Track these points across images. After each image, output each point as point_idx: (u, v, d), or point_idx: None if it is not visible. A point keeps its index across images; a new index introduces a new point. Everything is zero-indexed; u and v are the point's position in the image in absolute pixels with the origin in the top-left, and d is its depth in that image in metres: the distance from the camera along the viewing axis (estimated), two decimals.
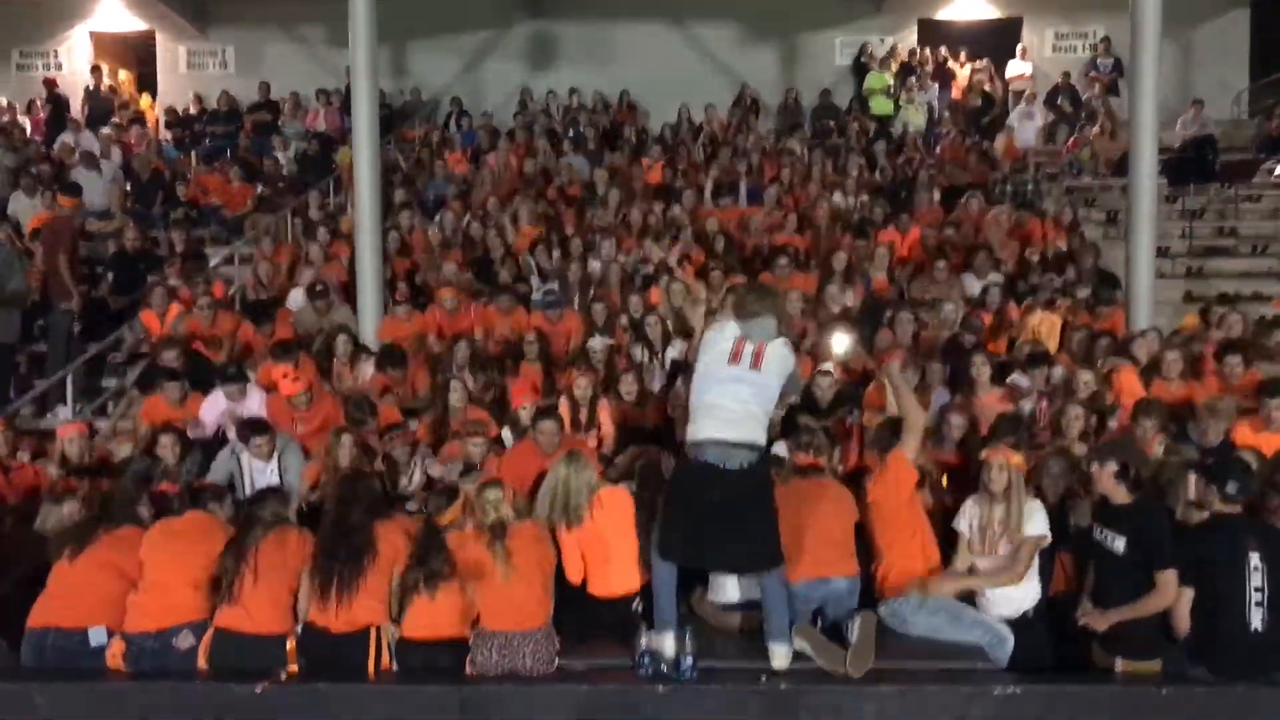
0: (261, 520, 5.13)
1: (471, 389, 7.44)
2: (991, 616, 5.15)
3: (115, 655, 4.96)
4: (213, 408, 7.24)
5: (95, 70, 16.33)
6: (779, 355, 4.90)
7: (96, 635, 5.01)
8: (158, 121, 16.23)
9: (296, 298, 9.47)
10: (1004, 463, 5.26)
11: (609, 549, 5.27)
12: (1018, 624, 5.14)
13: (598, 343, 8.04)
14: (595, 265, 10.06)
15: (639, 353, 8.35)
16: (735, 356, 4.85)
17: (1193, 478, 5.13)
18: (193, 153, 15.03)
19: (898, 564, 5.30)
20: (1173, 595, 4.80)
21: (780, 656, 4.88)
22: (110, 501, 5.54)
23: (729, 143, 14.02)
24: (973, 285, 9.45)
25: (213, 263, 11.25)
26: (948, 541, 5.47)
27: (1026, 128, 14.78)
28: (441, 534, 5.15)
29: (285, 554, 5.05)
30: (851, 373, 7.60)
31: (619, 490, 5.46)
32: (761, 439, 4.84)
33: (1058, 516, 5.42)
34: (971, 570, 5.31)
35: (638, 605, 5.27)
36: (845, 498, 5.46)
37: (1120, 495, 4.97)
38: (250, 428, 6.48)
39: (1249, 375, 7.14)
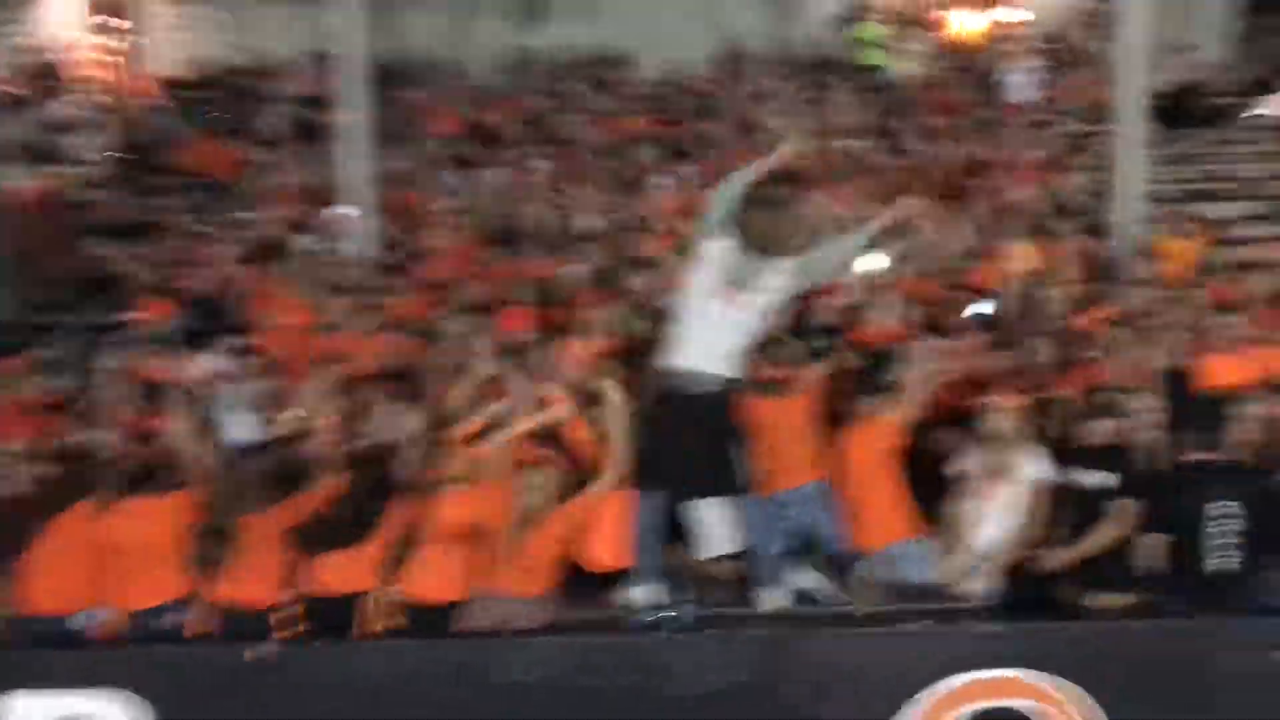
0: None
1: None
2: (972, 555, 5.28)
3: None
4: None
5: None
6: (763, 292, 4.79)
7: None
8: (148, 87, 16.13)
9: None
10: (1004, 406, 5.33)
11: None
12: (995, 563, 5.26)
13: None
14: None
15: None
16: (713, 293, 4.79)
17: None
18: (190, 120, 14.95)
19: (873, 521, 5.39)
20: (1129, 524, 4.96)
21: (769, 600, 5.03)
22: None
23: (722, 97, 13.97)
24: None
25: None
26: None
27: (1020, 82, 14.70)
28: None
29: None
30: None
31: None
32: (732, 372, 4.86)
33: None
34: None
35: None
36: (805, 405, 5.47)
37: (1093, 434, 5.10)
38: None
39: None
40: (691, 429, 4.85)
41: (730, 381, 4.87)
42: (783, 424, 5.40)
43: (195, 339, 7.66)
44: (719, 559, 5.43)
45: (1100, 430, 5.17)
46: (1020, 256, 8.45)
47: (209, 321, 8.16)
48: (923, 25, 16.27)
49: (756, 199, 4.75)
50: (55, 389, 6.34)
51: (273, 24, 16.66)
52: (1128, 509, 5.00)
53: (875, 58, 15.71)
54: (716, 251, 4.78)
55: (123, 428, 6.40)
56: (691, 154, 11.76)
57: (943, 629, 4.92)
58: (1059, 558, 5.09)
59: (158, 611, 5.05)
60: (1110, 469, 5.09)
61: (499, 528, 5.10)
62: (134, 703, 4.86)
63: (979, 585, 5.20)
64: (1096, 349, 6.63)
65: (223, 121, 14.25)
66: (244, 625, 4.96)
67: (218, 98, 15.20)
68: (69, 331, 9.22)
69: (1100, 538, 5.02)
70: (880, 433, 5.38)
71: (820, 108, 13.11)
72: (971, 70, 15.50)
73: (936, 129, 12.44)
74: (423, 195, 10.88)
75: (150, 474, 5.22)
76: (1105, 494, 5.07)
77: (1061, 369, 6.39)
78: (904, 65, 15.48)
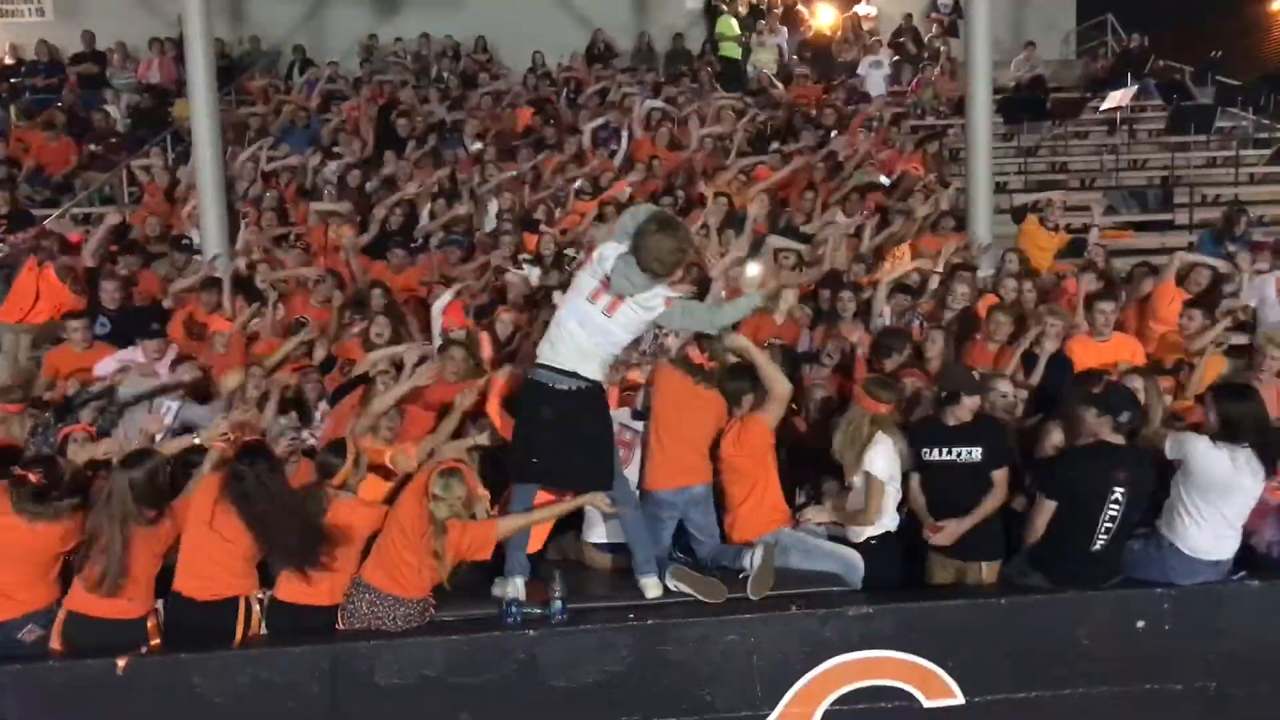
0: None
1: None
2: (851, 542, 5.40)
3: None
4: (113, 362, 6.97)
5: None
6: (639, 309, 4.81)
7: None
8: None
9: None
10: (863, 413, 5.41)
11: None
12: (872, 548, 5.37)
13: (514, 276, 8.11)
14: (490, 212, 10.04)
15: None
16: (595, 296, 4.82)
17: (1085, 410, 5.28)
18: (11, 108, 14.03)
19: (748, 517, 5.43)
20: (1004, 494, 5.21)
21: (651, 588, 5.07)
22: None
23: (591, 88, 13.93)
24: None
25: (45, 224, 10.60)
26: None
27: (875, 76, 15.15)
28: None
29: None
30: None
31: None
32: (595, 375, 4.89)
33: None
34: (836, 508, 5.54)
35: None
36: (717, 407, 5.49)
37: (964, 412, 5.32)
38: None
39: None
40: (567, 422, 4.84)
41: (595, 384, 4.90)
42: (695, 413, 5.41)
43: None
44: (598, 547, 5.45)
45: (968, 406, 5.35)
46: (900, 255, 8.71)
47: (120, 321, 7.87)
48: (781, 19, 16.58)
49: (662, 221, 4.79)
50: None
51: (108, 7, 15.81)
52: (1003, 479, 5.23)
53: (733, 51, 15.93)
54: (614, 258, 4.77)
55: None
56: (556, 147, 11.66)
57: (818, 612, 5.00)
58: (943, 535, 5.24)
59: (18, 624, 4.74)
60: (981, 443, 5.26)
61: (394, 532, 4.92)
62: None
63: (849, 571, 5.30)
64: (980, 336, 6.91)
65: (60, 110, 13.41)
66: (106, 636, 4.72)
67: (50, 84, 14.32)
68: None
69: (979, 512, 5.21)
70: (757, 428, 5.42)
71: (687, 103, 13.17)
72: (827, 64, 15.92)
73: (798, 122, 12.67)
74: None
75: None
76: (981, 468, 5.25)
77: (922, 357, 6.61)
78: (761, 58, 15.75)
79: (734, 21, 16.16)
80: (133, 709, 4.69)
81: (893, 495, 5.37)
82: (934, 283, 7.87)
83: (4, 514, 4.66)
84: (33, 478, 4.66)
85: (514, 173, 10.87)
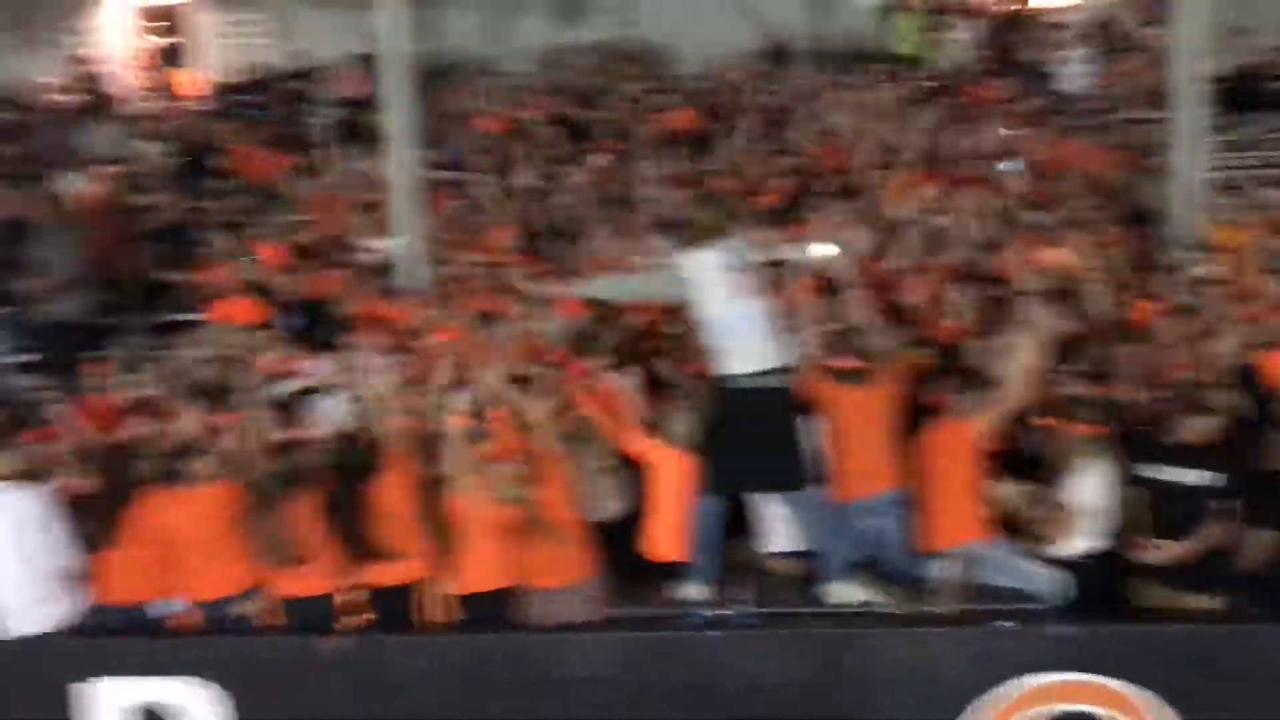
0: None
1: None
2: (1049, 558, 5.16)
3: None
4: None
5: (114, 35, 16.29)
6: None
7: None
8: (194, 93, 16.35)
9: None
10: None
11: None
12: (1075, 566, 5.12)
13: None
14: None
15: None
16: (736, 294, 4.89)
17: None
18: (230, 124, 15.12)
19: (943, 523, 5.25)
20: (1233, 526, 4.83)
21: (834, 594, 5.01)
22: None
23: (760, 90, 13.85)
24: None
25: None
26: None
27: (1074, 73, 14.41)
28: None
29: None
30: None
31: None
32: (788, 356, 4.97)
33: None
34: None
35: None
36: (880, 403, 5.33)
37: (1191, 431, 4.95)
38: None
39: None
40: (755, 426, 4.87)
41: (785, 370, 4.93)
42: (863, 416, 5.28)
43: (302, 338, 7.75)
44: (780, 555, 5.41)
45: (1198, 426, 4.99)
46: (1060, 250, 8.25)
47: (312, 322, 8.23)
48: (963, 14, 16.04)
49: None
50: (129, 387, 6.38)
51: (318, 27, 16.83)
52: (1232, 510, 4.84)
53: (915, 49, 15.51)
54: (707, 254, 4.87)
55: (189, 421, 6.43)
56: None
57: (1015, 629, 4.81)
58: (1159, 554, 4.92)
59: (223, 604, 5.15)
60: (1208, 467, 4.90)
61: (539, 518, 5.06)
62: (214, 691, 4.98)
63: (1046, 588, 5.07)
64: (1156, 344, 6.45)
65: (270, 125, 14.37)
66: (310, 616, 5.06)
67: (265, 102, 15.36)
68: (136, 331, 9.38)
69: (1203, 539, 4.86)
70: (970, 433, 5.20)
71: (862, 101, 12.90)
72: (1016, 59, 15.28)
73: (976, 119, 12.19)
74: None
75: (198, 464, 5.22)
76: (1207, 493, 4.89)
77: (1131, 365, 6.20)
78: (944, 55, 15.28)
79: (915, 20, 15.75)
80: (337, 687, 4.99)
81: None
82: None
83: None
84: None
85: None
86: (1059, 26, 15.64)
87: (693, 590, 5.08)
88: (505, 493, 5.03)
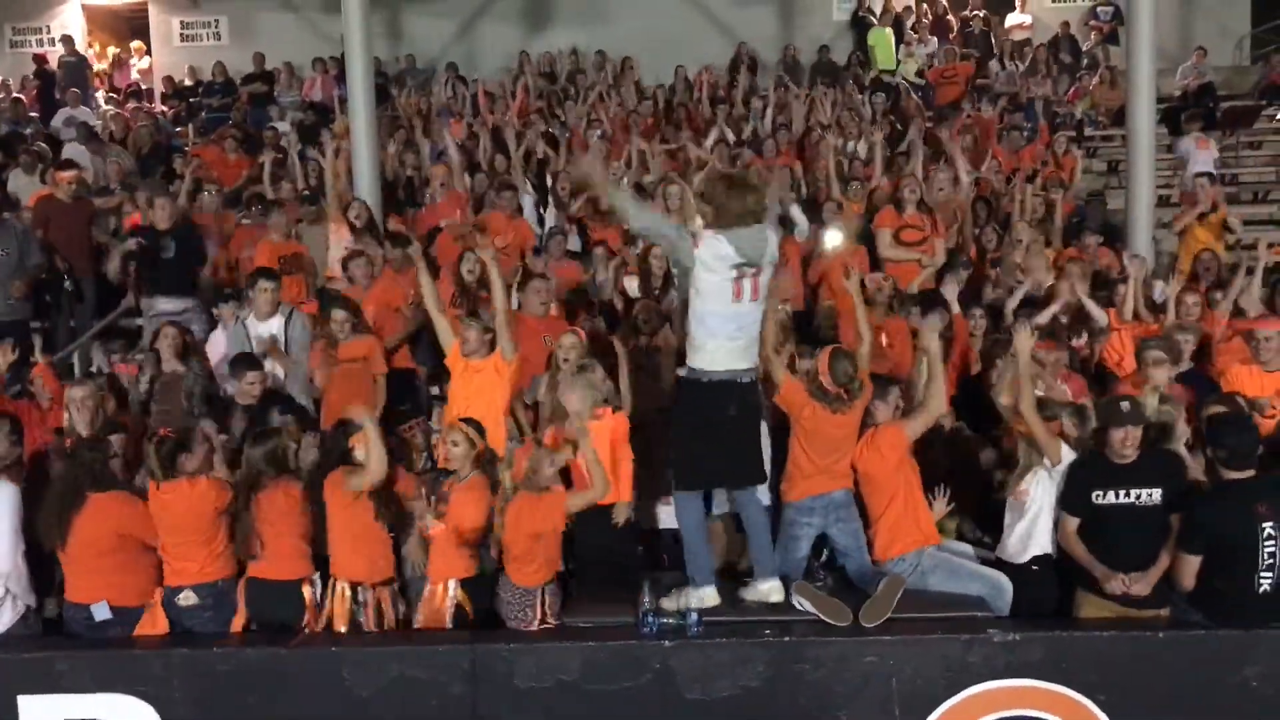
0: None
1: None
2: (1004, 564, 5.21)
3: None
4: None
5: (66, 40, 16.13)
6: (770, 264, 4.85)
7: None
8: (153, 93, 16.17)
9: None
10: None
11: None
12: (1023, 572, 5.17)
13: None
14: None
15: None
16: (737, 295, 4.75)
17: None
18: (189, 126, 14.97)
19: (887, 532, 5.29)
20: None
21: (773, 592, 5.03)
22: None
23: (729, 100, 13.89)
24: None
25: None
26: None
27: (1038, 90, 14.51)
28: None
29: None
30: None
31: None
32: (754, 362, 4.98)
33: None
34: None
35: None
36: (854, 424, 5.33)
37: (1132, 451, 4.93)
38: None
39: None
40: (729, 421, 4.89)
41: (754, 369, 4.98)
42: (838, 435, 5.28)
43: None
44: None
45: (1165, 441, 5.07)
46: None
47: None
48: (930, 29, 16.21)
49: (731, 181, 4.91)
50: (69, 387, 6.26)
51: (278, 31, 16.72)
52: (1175, 524, 4.87)
53: (888, 61, 15.63)
54: (724, 245, 4.69)
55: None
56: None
57: (961, 636, 4.84)
58: (1138, 588, 4.86)
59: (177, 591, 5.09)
60: (1162, 483, 4.91)
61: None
62: (140, 707, 4.85)
63: (995, 595, 5.12)
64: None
65: (232, 127, 14.22)
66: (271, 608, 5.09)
67: (224, 104, 15.20)
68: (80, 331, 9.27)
69: (1164, 560, 4.87)
70: (891, 442, 5.27)
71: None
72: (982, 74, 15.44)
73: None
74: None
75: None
76: (1165, 508, 4.90)
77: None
78: (909, 69, 15.42)
79: (888, 33, 15.89)
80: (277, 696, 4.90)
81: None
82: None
83: None
84: None
85: None
86: (1025, 44, 15.87)
87: (707, 597, 5.00)
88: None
